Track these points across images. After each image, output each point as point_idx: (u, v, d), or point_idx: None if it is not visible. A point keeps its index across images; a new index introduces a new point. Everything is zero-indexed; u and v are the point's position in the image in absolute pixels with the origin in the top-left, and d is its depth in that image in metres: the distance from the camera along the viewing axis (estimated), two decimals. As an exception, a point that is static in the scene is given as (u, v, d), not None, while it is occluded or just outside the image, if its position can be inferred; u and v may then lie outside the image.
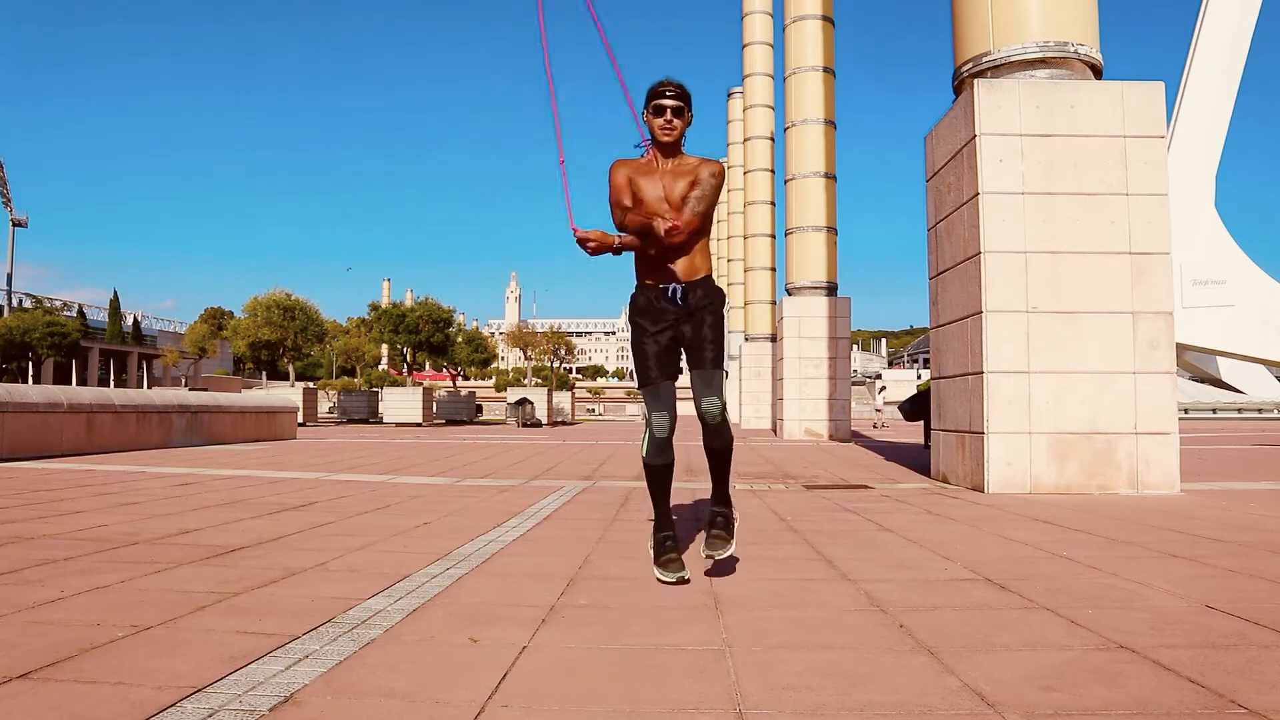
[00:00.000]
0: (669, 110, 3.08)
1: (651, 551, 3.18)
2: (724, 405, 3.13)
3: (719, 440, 3.18)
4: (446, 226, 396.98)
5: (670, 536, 3.16)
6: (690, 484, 6.91)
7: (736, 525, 3.25)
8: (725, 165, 3.18)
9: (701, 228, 3.14)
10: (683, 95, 3.10)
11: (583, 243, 2.98)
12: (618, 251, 3.04)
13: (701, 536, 3.29)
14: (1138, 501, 5.61)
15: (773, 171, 27.99)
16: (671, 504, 3.33)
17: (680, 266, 3.14)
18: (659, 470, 3.20)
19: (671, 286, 3.13)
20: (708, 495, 3.40)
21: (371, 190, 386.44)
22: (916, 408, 12.49)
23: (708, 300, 3.17)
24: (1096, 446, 6.04)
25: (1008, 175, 6.22)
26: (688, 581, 2.99)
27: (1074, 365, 6.09)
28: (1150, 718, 1.71)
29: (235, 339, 40.22)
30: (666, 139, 3.11)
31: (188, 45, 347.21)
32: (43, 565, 3.23)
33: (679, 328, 3.15)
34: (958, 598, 2.80)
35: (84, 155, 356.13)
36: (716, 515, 3.21)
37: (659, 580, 3.01)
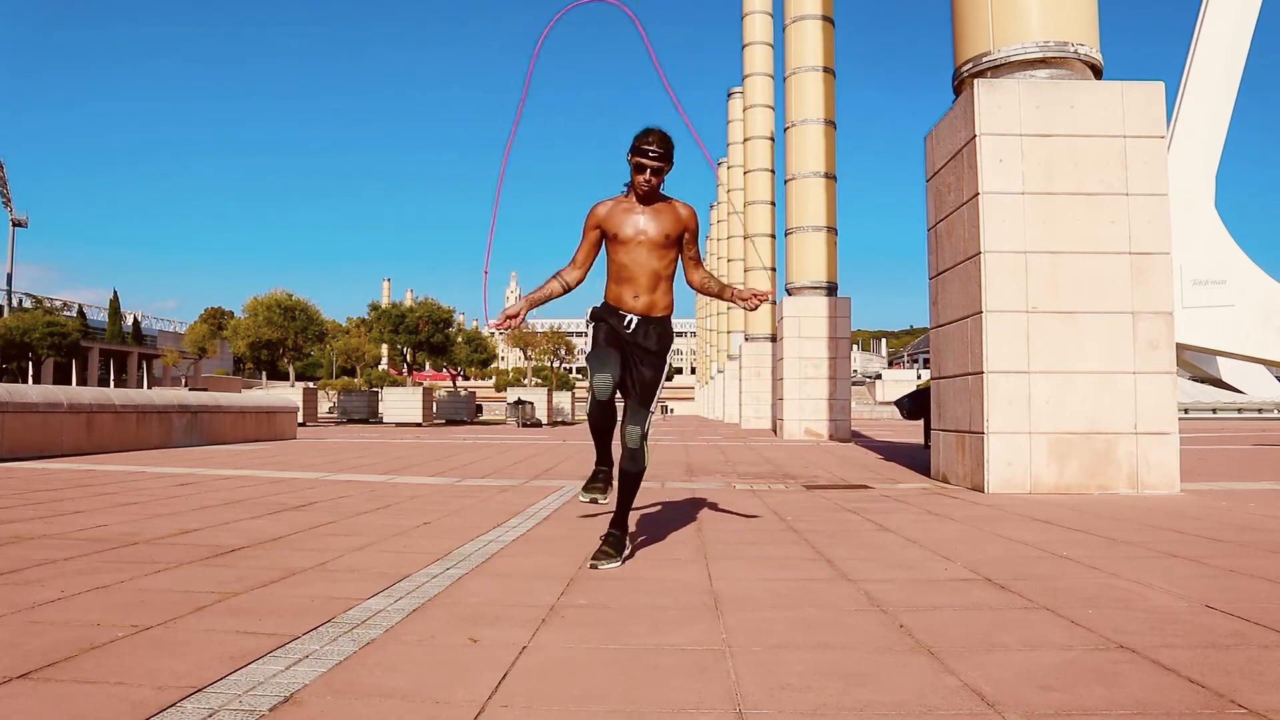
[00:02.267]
0: (649, 170, 3.31)
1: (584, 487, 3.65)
2: (643, 436, 3.40)
3: (632, 465, 3.44)
4: (446, 226, 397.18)
5: (604, 471, 3.64)
6: (690, 484, 6.91)
7: (628, 552, 3.46)
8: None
9: (672, 271, 3.46)
10: (665, 155, 3.32)
11: (505, 321, 3.34)
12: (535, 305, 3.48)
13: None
14: (1138, 501, 5.61)
15: (773, 171, 27.98)
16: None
17: (642, 301, 3.42)
18: (599, 431, 3.52)
19: (629, 316, 3.41)
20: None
21: (371, 190, 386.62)
22: (916, 405, 12.48)
23: (657, 343, 3.44)
24: (1096, 446, 6.04)
25: (1008, 175, 6.22)
26: (602, 501, 3.62)
27: (1074, 365, 6.09)
28: (1150, 718, 1.71)
29: (235, 339, 40.24)
30: (645, 192, 3.36)
31: (188, 47, 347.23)
32: (43, 565, 3.23)
33: (627, 349, 3.42)
34: (958, 598, 2.80)
35: (84, 156, 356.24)
36: (610, 534, 3.44)
37: (579, 499, 3.52)
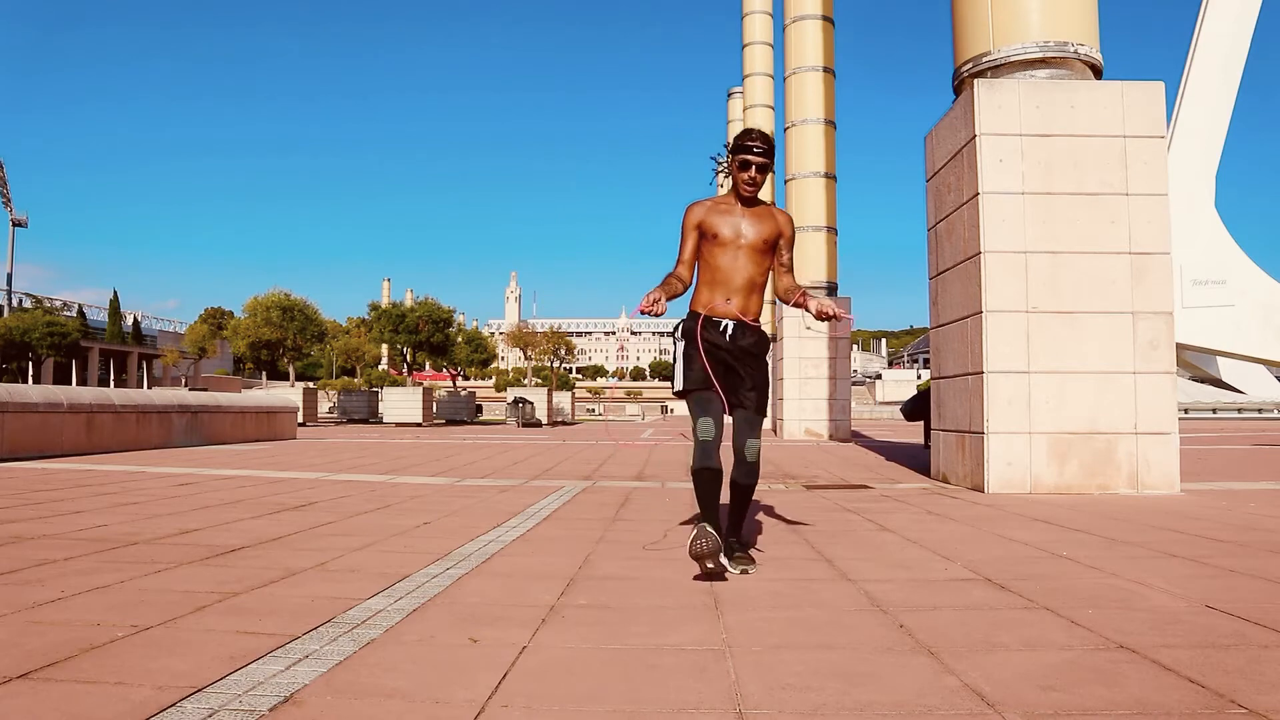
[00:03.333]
0: (754, 167, 3.21)
1: (688, 544, 3.10)
2: (760, 449, 3.29)
3: (749, 479, 3.33)
4: (446, 226, 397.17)
5: (716, 533, 3.10)
6: (689, 484, 6.91)
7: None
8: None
9: (765, 280, 3.34)
10: (769, 153, 3.22)
11: (651, 304, 3.13)
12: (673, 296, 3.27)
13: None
14: (1138, 501, 5.61)
15: (773, 172, 27.99)
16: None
17: (736, 305, 3.27)
18: (709, 476, 3.17)
19: (724, 322, 3.25)
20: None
21: (371, 190, 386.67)
22: (917, 408, 12.48)
23: (756, 347, 3.30)
24: (1096, 446, 6.04)
25: (1008, 175, 6.22)
26: (724, 577, 3.06)
27: (1074, 365, 6.09)
28: (1150, 718, 1.71)
29: (235, 339, 40.19)
30: (749, 193, 3.25)
31: (189, 48, 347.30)
32: (43, 565, 3.23)
33: (728, 362, 3.26)
34: (958, 598, 2.80)
35: (84, 156, 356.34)
36: (734, 544, 3.32)
37: (696, 578, 3.04)
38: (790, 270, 3.45)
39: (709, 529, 3.07)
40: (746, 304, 3.30)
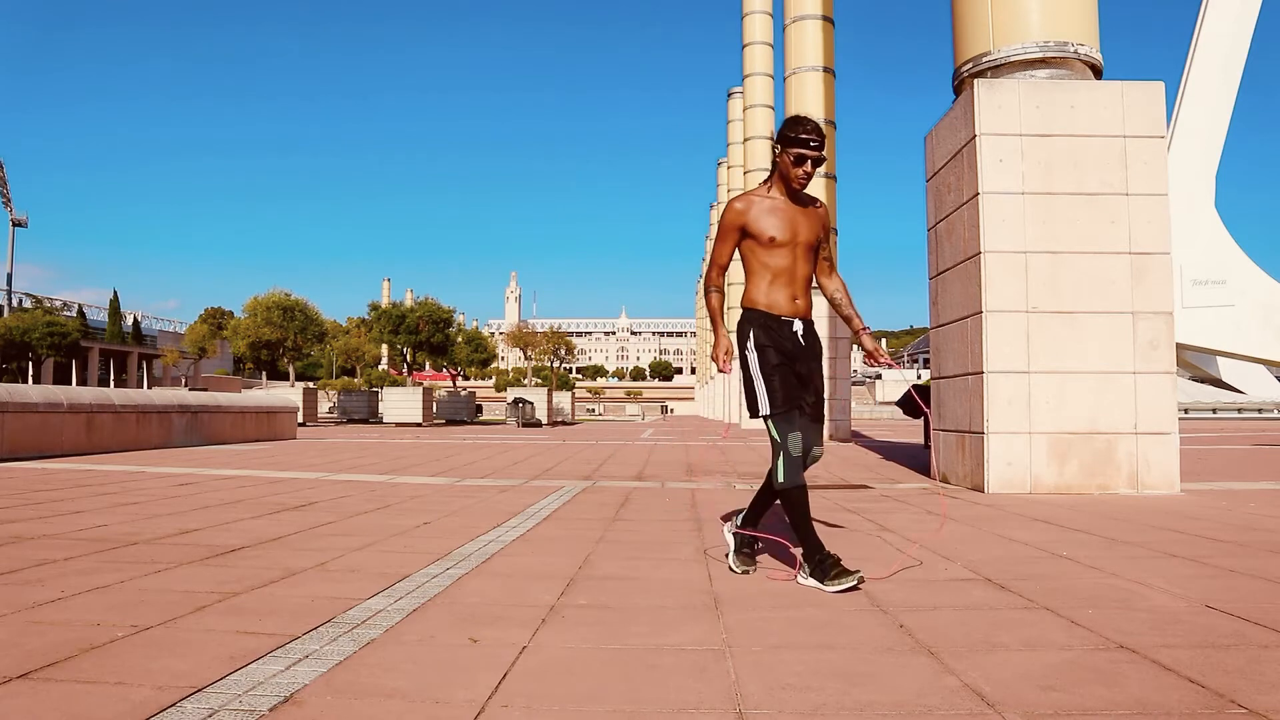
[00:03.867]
0: (810, 161, 3.02)
1: (810, 570, 2.94)
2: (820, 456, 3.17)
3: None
4: (446, 226, 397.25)
5: (830, 555, 2.96)
6: (690, 484, 6.90)
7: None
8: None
9: (813, 274, 3.19)
10: (823, 144, 3.03)
11: (727, 363, 3.03)
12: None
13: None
14: (1138, 501, 5.61)
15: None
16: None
17: (801, 304, 3.11)
18: (802, 492, 3.01)
19: (794, 321, 3.08)
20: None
21: (371, 190, 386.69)
22: (907, 401, 12.41)
23: (818, 345, 3.16)
24: (1096, 446, 6.04)
25: (1008, 175, 6.22)
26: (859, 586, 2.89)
27: (1074, 365, 6.09)
28: (1150, 718, 1.71)
29: (235, 339, 40.15)
30: (801, 188, 3.07)
31: (189, 48, 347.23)
32: (43, 565, 3.23)
33: (794, 364, 3.08)
34: (958, 598, 2.80)
35: (84, 156, 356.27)
36: (818, 551, 3.04)
37: (839, 592, 2.85)
38: (834, 266, 3.31)
39: (825, 550, 2.95)
40: (808, 302, 3.12)
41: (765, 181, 3.15)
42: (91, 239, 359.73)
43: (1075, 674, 1.98)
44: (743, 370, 3.11)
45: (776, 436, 2.99)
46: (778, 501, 3.16)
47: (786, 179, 3.06)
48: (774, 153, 3.09)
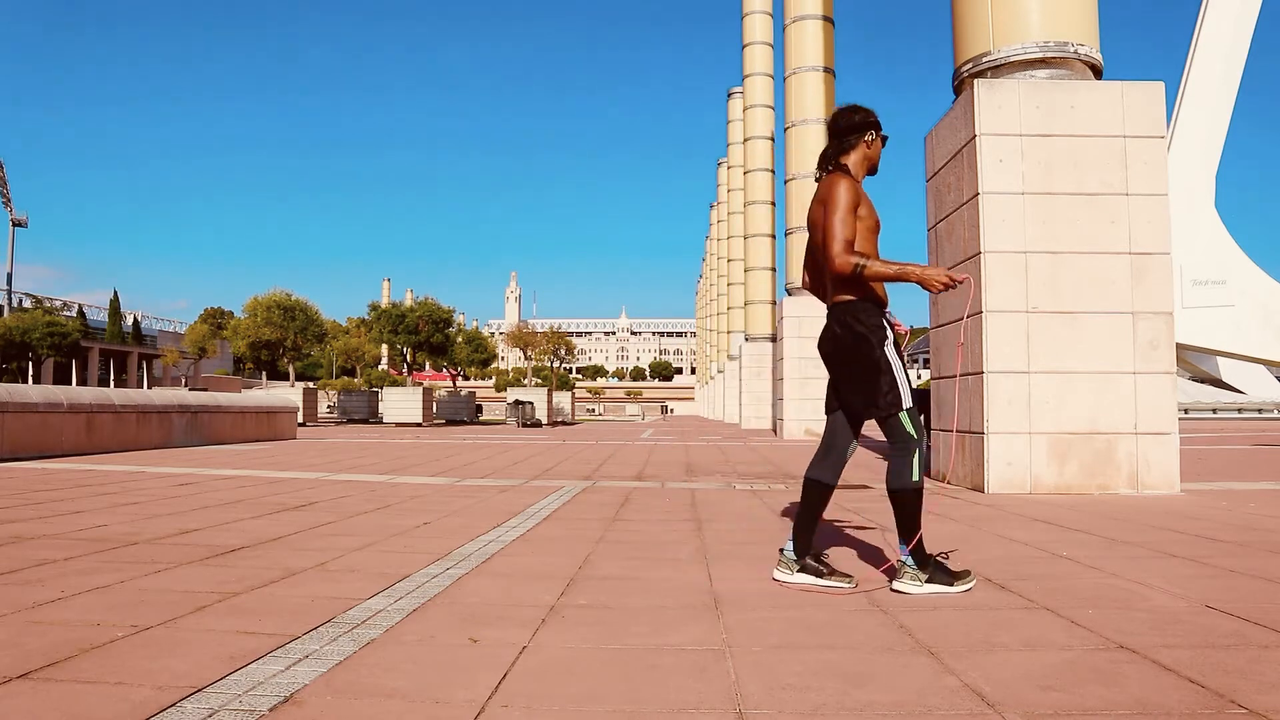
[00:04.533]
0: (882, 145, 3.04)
1: (930, 575, 2.86)
2: None
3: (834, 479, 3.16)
4: (446, 226, 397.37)
5: (943, 554, 3.00)
6: (690, 484, 6.91)
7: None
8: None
9: None
10: None
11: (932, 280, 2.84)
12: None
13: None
14: (1138, 501, 5.61)
15: (773, 171, 27.99)
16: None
17: (882, 293, 2.99)
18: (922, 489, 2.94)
19: (888, 311, 2.98)
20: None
21: (371, 190, 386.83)
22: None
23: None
24: (1096, 446, 6.04)
25: (1008, 175, 6.22)
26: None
27: (1074, 365, 6.09)
28: (1150, 718, 1.71)
29: (235, 339, 40.16)
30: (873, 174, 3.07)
31: (189, 48, 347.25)
32: (43, 565, 3.23)
33: None
34: (958, 598, 2.80)
35: (84, 156, 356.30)
36: (917, 554, 2.96)
37: (964, 591, 2.83)
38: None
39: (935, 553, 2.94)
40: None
41: (832, 171, 2.99)
42: (91, 239, 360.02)
43: (1075, 674, 1.99)
44: (874, 363, 2.86)
45: (913, 432, 2.86)
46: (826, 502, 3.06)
47: (871, 165, 3.03)
48: (847, 143, 2.97)
